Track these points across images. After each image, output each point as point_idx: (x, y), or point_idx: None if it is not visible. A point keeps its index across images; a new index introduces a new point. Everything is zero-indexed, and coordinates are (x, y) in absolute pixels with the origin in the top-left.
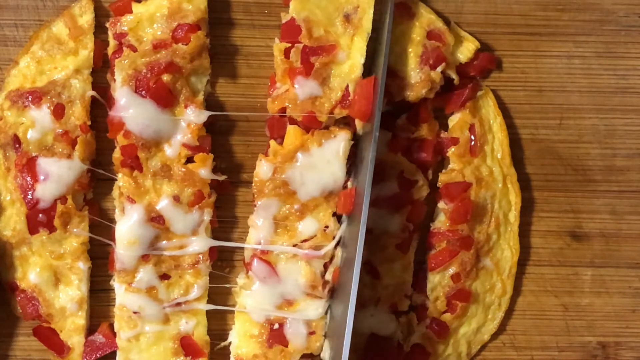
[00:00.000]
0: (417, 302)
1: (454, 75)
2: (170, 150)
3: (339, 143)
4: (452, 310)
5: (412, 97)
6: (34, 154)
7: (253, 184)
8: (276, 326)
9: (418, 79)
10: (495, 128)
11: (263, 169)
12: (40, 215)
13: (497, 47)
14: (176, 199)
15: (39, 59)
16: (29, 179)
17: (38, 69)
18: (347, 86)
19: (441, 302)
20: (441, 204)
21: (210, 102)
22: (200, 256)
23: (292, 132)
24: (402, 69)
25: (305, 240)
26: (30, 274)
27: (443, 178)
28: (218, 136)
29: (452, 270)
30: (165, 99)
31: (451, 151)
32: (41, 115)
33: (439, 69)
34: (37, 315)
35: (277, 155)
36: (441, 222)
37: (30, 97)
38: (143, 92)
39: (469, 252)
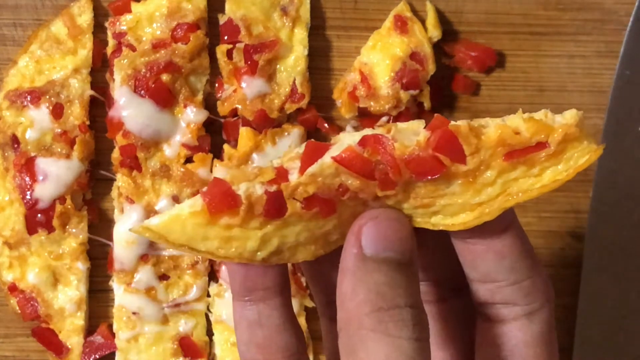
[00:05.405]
0: None
1: (426, 103)
2: (169, 150)
3: (293, 140)
4: None
5: (374, 109)
6: (32, 154)
7: None
8: None
9: (385, 93)
10: None
11: (219, 174)
12: (39, 215)
13: (497, 46)
14: (175, 199)
15: (38, 58)
16: (27, 179)
17: (37, 69)
18: (294, 80)
19: None
20: None
21: (210, 102)
22: (200, 256)
23: (245, 134)
24: (375, 79)
25: None
26: (29, 274)
27: None
28: (218, 136)
29: None
30: (165, 98)
31: None
32: (40, 115)
33: (411, 93)
34: (35, 315)
35: (232, 158)
36: None
37: (29, 96)
38: (142, 92)
39: None
